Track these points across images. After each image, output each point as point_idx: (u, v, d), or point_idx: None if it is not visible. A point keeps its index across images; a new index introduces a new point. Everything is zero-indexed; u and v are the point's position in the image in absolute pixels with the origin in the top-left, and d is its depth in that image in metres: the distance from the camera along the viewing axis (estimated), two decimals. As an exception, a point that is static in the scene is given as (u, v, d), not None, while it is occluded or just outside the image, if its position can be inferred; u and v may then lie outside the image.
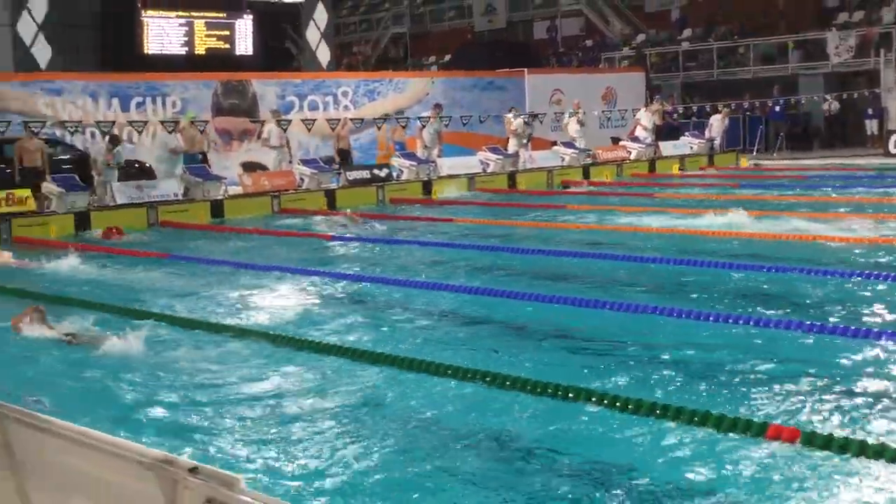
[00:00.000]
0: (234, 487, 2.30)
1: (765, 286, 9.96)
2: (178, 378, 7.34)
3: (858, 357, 7.08)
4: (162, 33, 27.19)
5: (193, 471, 2.35)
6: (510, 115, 25.69)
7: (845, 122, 30.75)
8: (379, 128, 25.31)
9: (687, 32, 36.04)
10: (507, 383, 6.64)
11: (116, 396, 6.93)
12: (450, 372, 6.97)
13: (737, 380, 6.69)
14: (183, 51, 27.42)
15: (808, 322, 7.94)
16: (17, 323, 8.91)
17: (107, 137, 19.75)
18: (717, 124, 27.91)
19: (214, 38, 28.08)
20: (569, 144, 25.63)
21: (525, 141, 25.43)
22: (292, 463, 5.45)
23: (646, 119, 27.20)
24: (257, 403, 6.63)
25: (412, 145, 24.49)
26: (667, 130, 28.85)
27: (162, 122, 21.29)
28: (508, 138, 25.37)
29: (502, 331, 8.62)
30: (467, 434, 5.86)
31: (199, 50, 27.76)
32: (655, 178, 24.70)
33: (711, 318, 8.29)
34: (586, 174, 24.62)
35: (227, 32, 28.33)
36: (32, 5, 24.38)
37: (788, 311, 8.60)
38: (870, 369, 6.80)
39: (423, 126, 23.89)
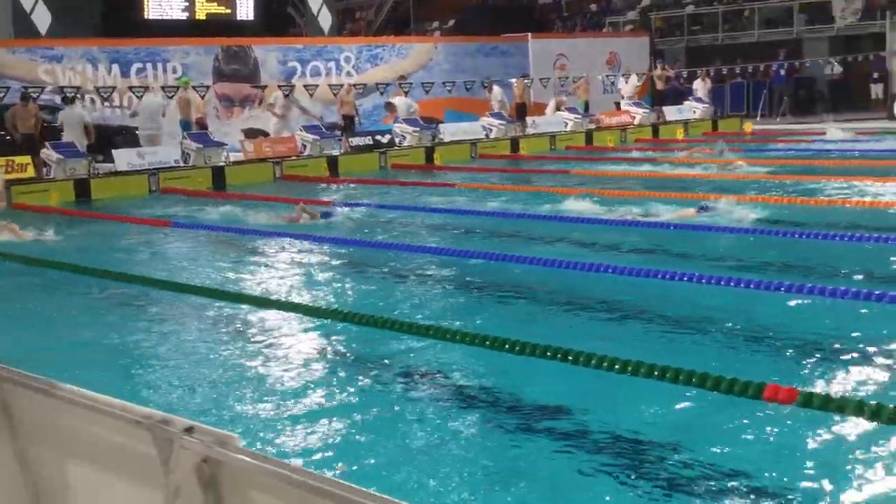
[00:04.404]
0: (228, 446, 2.27)
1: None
2: (180, 343, 7.34)
3: None
4: (162, -2, 26.93)
5: (189, 430, 2.33)
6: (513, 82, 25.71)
7: (850, 86, 30.53)
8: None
9: (692, -4, 35.71)
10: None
11: (116, 357, 6.93)
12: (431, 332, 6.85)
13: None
14: (184, 16, 27.19)
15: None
16: None
17: (61, 99, 19.55)
18: (700, 88, 27.88)
19: (215, 3, 27.80)
20: (572, 109, 25.57)
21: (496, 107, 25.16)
22: (284, 423, 5.44)
23: (626, 88, 27.45)
24: (258, 367, 6.63)
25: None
26: (673, 95, 28.69)
27: (163, 88, 21.14)
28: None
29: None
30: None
31: (200, 15, 27.48)
32: (658, 143, 24.59)
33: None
34: (589, 139, 24.61)
35: (229, -3, 28.06)
36: (31, -29, 24.19)
37: None
38: None
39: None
